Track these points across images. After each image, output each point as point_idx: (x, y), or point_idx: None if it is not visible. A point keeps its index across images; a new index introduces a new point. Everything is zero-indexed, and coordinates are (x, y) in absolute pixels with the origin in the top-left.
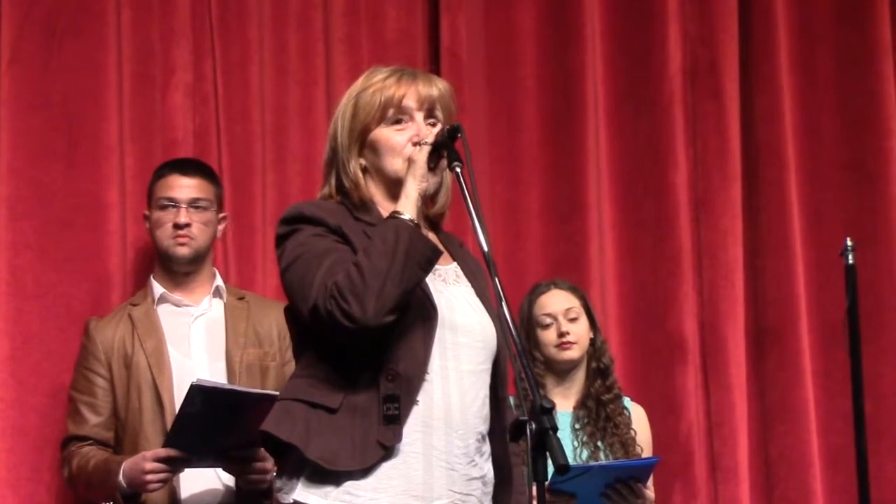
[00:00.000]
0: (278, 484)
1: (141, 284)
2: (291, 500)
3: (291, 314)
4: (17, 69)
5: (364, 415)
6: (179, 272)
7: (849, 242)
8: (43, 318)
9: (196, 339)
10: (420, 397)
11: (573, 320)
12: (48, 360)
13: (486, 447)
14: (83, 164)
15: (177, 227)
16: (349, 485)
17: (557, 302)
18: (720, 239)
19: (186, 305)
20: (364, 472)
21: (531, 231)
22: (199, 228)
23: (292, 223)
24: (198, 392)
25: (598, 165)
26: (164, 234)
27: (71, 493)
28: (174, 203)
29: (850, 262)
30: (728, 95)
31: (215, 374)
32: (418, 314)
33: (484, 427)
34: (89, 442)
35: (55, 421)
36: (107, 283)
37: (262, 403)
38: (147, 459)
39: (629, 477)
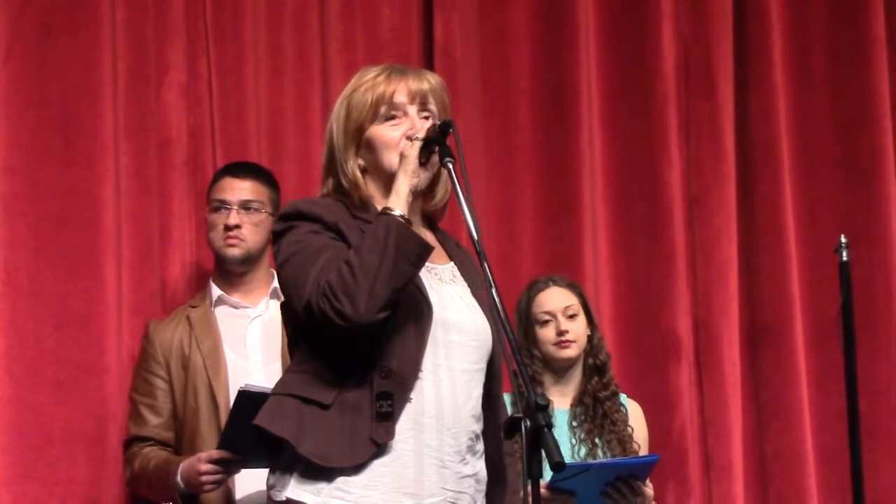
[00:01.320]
0: (271, 481)
1: (135, 281)
2: (284, 498)
3: (287, 310)
4: (12, 67)
5: (357, 411)
6: (234, 273)
7: (843, 240)
8: (38, 315)
9: (252, 341)
10: (413, 395)
11: (572, 318)
12: (43, 357)
13: (480, 446)
14: (78, 161)
15: (227, 228)
16: (341, 481)
17: (556, 299)
18: (714, 237)
19: (244, 307)
20: (356, 468)
21: (525, 231)
22: (249, 230)
23: (289, 220)
24: (245, 397)
25: (592, 165)
26: (216, 236)
27: (67, 493)
28: (226, 205)
29: (844, 258)
30: (722, 94)
31: (270, 376)
32: (413, 312)
33: (477, 426)
34: (151, 442)
35: (51, 419)
36: (101, 280)
37: None
38: (202, 461)
39: (629, 475)
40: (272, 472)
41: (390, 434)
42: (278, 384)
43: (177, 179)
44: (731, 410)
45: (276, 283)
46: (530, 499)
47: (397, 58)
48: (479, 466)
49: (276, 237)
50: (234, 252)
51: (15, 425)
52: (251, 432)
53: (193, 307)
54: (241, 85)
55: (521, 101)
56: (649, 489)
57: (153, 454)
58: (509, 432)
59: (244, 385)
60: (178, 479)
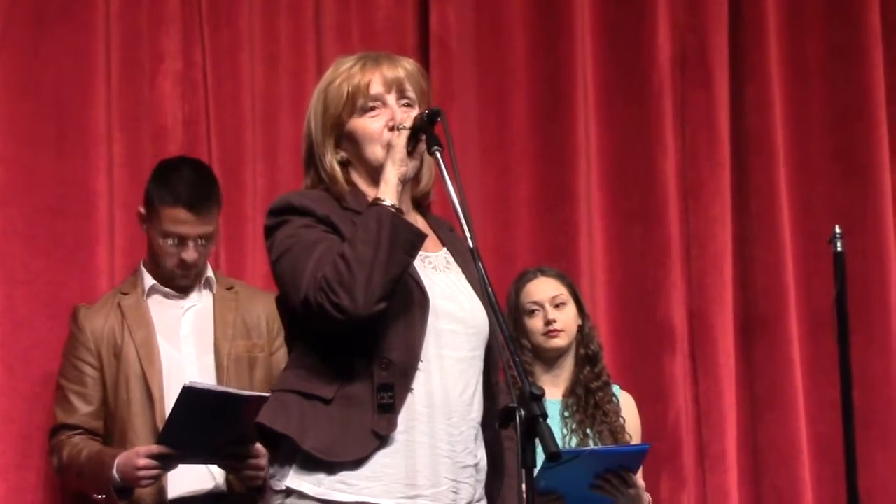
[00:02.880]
0: (271, 471)
1: (128, 270)
2: (284, 487)
3: (283, 304)
4: (5, 56)
5: (358, 404)
6: None
7: (837, 230)
8: (31, 305)
9: (185, 332)
10: (414, 385)
11: (560, 307)
12: (37, 347)
13: (480, 434)
14: (72, 151)
15: (184, 264)
16: (343, 474)
17: (544, 289)
18: (709, 228)
19: (176, 297)
20: (358, 461)
21: (520, 220)
22: (202, 258)
23: (281, 214)
24: (190, 394)
25: (587, 154)
26: (169, 262)
27: (59, 480)
28: (183, 241)
29: (839, 249)
30: (717, 84)
31: (204, 368)
32: (410, 302)
33: (477, 414)
34: (79, 431)
35: (44, 408)
36: (95, 270)
37: (254, 403)
38: (140, 455)
39: (619, 465)
40: (272, 462)
41: (392, 426)
42: (278, 381)
43: None
44: (725, 401)
45: (209, 273)
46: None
47: (392, 47)
48: (480, 455)
49: (268, 232)
50: (186, 282)
51: (8, 414)
52: (192, 428)
53: (124, 294)
54: (235, 74)
55: (517, 91)
56: (641, 480)
57: (83, 444)
58: (504, 422)
59: (189, 382)
60: (114, 472)
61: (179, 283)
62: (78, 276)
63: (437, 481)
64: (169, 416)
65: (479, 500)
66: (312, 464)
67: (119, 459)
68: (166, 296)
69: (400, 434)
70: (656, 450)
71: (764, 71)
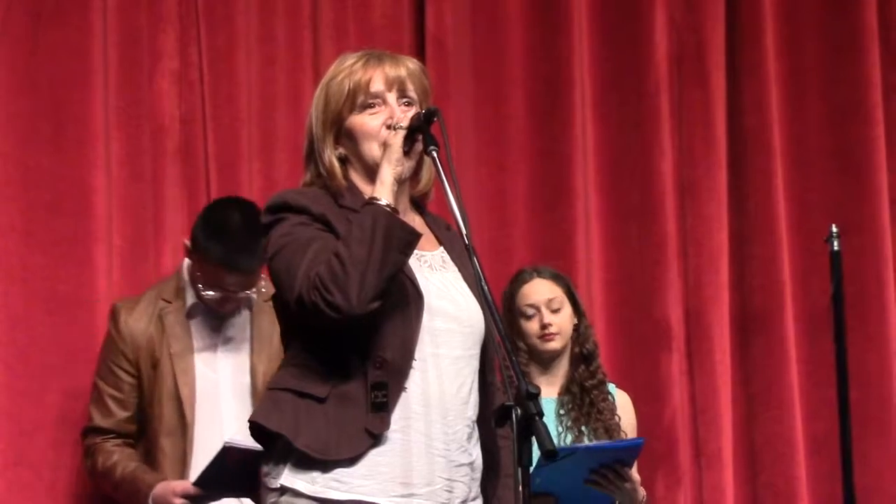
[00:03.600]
0: (266, 469)
1: (126, 268)
2: (278, 485)
3: (278, 303)
4: (3, 53)
5: (352, 403)
6: None
7: (834, 229)
8: (29, 301)
9: (223, 355)
10: (408, 384)
11: (556, 311)
12: (34, 343)
13: (476, 433)
14: (69, 148)
15: (224, 304)
16: (337, 472)
17: (540, 292)
18: (706, 226)
19: (217, 318)
20: (352, 459)
21: (518, 218)
22: (242, 303)
23: (276, 212)
24: (229, 452)
25: (584, 152)
26: (208, 303)
27: (59, 478)
28: (224, 291)
29: (836, 248)
30: (714, 83)
31: (237, 392)
32: (404, 301)
33: (473, 413)
34: (112, 435)
35: (42, 405)
36: (92, 267)
37: None
38: (176, 494)
39: (615, 460)
40: (266, 461)
41: (386, 424)
42: (273, 379)
43: (169, 167)
44: (721, 399)
45: (251, 294)
46: (520, 486)
47: (389, 46)
48: (475, 454)
49: (264, 230)
50: (228, 311)
51: (6, 411)
52: (228, 477)
53: (167, 301)
54: (232, 72)
55: (514, 89)
56: (636, 475)
57: (118, 456)
58: (500, 421)
59: (229, 439)
60: (150, 501)
61: (222, 313)
62: (75, 273)
63: (432, 480)
64: (207, 467)
65: (474, 499)
66: (307, 462)
67: (155, 492)
68: (207, 315)
69: (394, 433)
70: (652, 448)
71: (761, 69)
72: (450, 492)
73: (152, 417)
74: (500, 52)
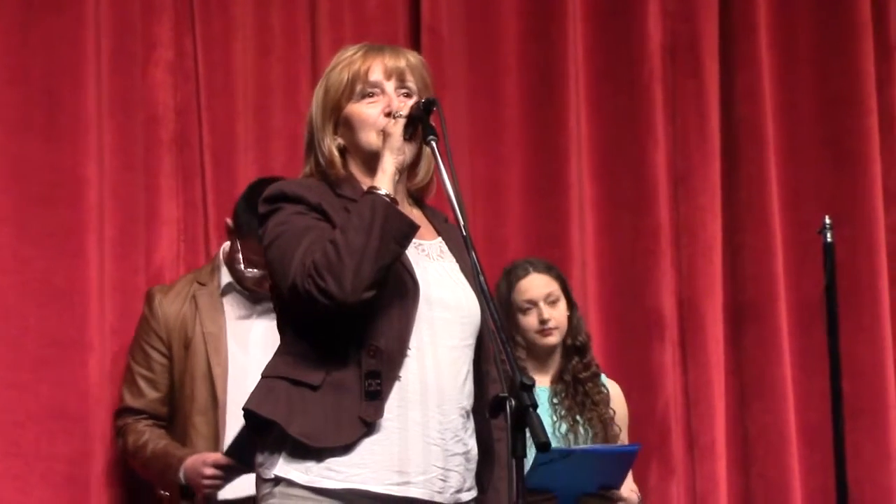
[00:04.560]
0: (260, 459)
1: (118, 259)
2: (273, 476)
3: (275, 292)
4: None
5: (346, 391)
6: None
7: (827, 220)
8: (21, 292)
9: (256, 336)
10: (402, 373)
11: (553, 304)
12: (26, 335)
13: (471, 423)
14: (62, 139)
15: (261, 285)
16: (331, 461)
17: (537, 287)
18: (699, 216)
19: (251, 299)
20: (345, 448)
21: (512, 208)
22: None
23: (273, 202)
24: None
25: (578, 143)
26: (248, 283)
27: (51, 468)
28: (265, 268)
29: (829, 240)
30: (707, 73)
31: None
32: (400, 290)
33: (467, 403)
34: (144, 416)
35: (34, 396)
36: (84, 258)
37: None
38: (207, 464)
39: (607, 470)
40: (261, 450)
41: (379, 413)
42: (267, 367)
43: (163, 157)
44: (714, 390)
45: None
46: (514, 477)
47: (384, 35)
48: (470, 444)
49: (261, 219)
50: (261, 294)
51: None
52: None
53: (201, 284)
54: (227, 62)
55: (508, 79)
56: (634, 494)
57: (148, 434)
58: (494, 411)
59: None
60: (181, 474)
61: (254, 294)
62: (67, 264)
63: (427, 469)
64: (237, 434)
65: (468, 489)
66: (301, 452)
67: (186, 463)
68: (241, 295)
69: (389, 421)
70: (645, 439)
71: (754, 60)
72: (444, 481)
73: (184, 398)
74: (494, 43)
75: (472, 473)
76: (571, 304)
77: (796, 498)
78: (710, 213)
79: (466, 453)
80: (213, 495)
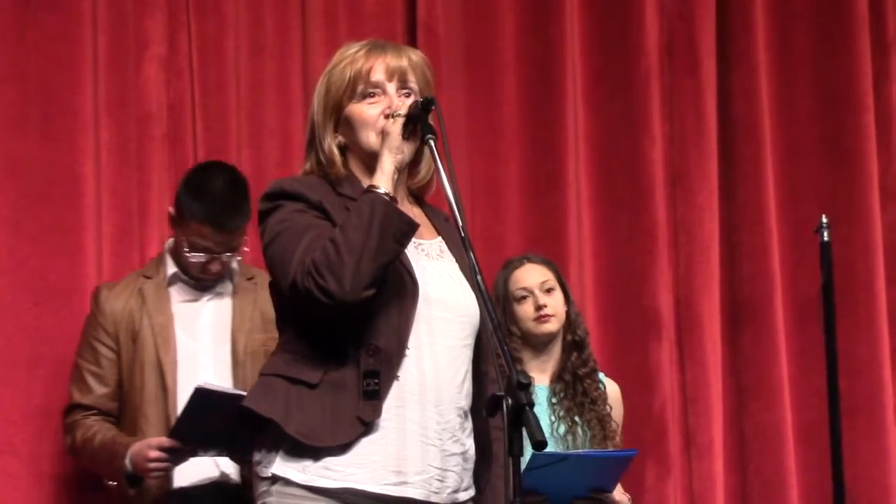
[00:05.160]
0: (257, 457)
1: (115, 256)
2: (270, 474)
3: (274, 290)
4: None
5: (344, 390)
6: None
7: (824, 220)
8: (17, 290)
9: (204, 323)
10: (400, 373)
11: (549, 292)
12: (22, 333)
13: (469, 423)
14: (58, 136)
15: (207, 271)
16: (328, 460)
17: (532, 275)
18: (696, 215)
19: (197, 287)
20: (343, 447)
21: (510, 205)
22: (228, 264)
23: (274, 199)
24: (201, 394)
25: (576, 141)
26: (193, 269)
27: (45, 467)
28: (209, 251)
29: (826, 239)
30: (705, 71)
31: (219, 360)
32: (399, 289)
33: (465, 403)
34: (94, 412)
35: (28, 395)
36: (81, 256)
37: None
38: (151, 447)
39: (604, 469)
40: (258, 448)
41: (377, 412)
42: (266, 365)
43: (157, 154)
44: (711, 388)
45: (232, 264)
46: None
47: (380, 33)
48: (468, 444)
49: (261, 217)
50: (208, 283)
51: None
52: (203, 425)
53: (147, 277)
54: (221, 59)
55: (506, 77)
56: (626, 497)
57: (97, 427)
58: (491, 410)
59: (202, 382)
60: (127, 461)
61: (200, 283)
62: (64, 262)
63: (424, 469)
64: (180, 414)
65: (466, 489)
66: (298, 450)
67: (132, 449)
68: (187, 284)
69: (387, 421)
70: (642, 437)
71: (751, 58)
72: (441, 481)
73: (134, 389)
74: (491, 40)
75: (470, 473)
76: (568, 300)
77: (793, 496)
78: (707, 212)
79: (464, 453)
80: (165, 483)
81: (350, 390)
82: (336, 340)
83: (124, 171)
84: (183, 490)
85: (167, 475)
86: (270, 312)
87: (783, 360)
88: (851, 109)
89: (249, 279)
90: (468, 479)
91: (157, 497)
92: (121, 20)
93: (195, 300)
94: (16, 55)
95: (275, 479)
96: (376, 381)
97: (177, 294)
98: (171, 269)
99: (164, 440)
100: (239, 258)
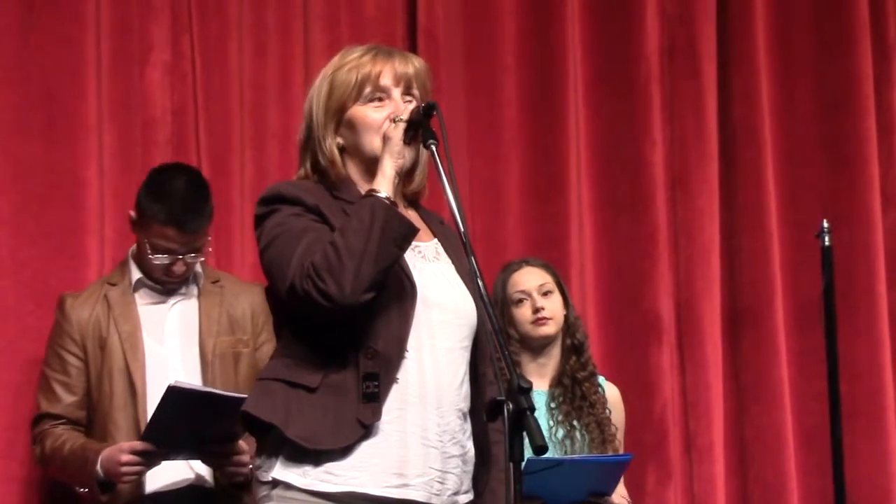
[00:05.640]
0: (258, 462)
1: (118, 260)
2: (270, 479)
3: (272, 294)
4: None
5: (343, 393)
6: None
7: (825, 224)
8: (19, 293)
9: (171, 327)
10: (400, 375)
11: (547, 294)
12: (24, 336)
13: (468, 425)
14: (61, 140)
15: (171, 273)
16: (328, 464)
17: (530, 278)
18: (696, 218)
19: (162, 292)
20: (343, 451)
21: (511, 209)
22: (191, 267)
23: (271, 203)
24: (174, 393)
25: (577, 144)
26: (156, 272)
27: (41, 470)
28: (171, 253)
29: (827, 243)
30: (705, 75)
31: (188, 363)
32: (397, 292)
33: (464, 404)
34: (62, 421)
35: (30, 398)
36: (84, 259)
37: (237, 403)
38: (123, 451)
39: (601, 473)
40: (258, 453)
41: (377, 415)
42: (265, 369)
43: (160, 158)
44: (712, 392)
45: (196, 267)
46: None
47: (381, 37)
48: (467, 446)
49: (258, 221)
50: (172, 287)
51: None
52: (176, 427)
53: (112, 284)
54: (224, 63)
55: (506, 81)
56: (625, 500)
57: (66, 436)
58: (492, 415)
59: (174, 381)
60: (98, 467)
61: (165, 287)
62: (66, 265)
63: (424, 471)
64: (153, 415)
65: (465, 492)
66: (299, 455)
67: (103, 454)
68: (153, 290)
69: (387, 423)
70: (643, 441)
71: (752, 61)
72: (442, 483)
73: (102, 396)
74: (491, 44)
75: (469, 476)
76: (567, 304)
77: (794, 500)
78: (707, 216)
79: (463, 455)
80: (137, 488)
81: (349, 393)
82: (334, 344)
83: (127, 174)
84: (156, 494)
85: (139, 479)
86: (237, 315)
87: (784, 364)
88: (852, 113)
89: (214, 282)
90: (467, 482)
91: (130, 502)
92: (124, 24)
93: (161, 304)
94: (19, 58)
95: (275, 484)
96: (376, 383)
97: (142, 299)
98: (136, 274)
99: (137, 443)
100: (202, 258)
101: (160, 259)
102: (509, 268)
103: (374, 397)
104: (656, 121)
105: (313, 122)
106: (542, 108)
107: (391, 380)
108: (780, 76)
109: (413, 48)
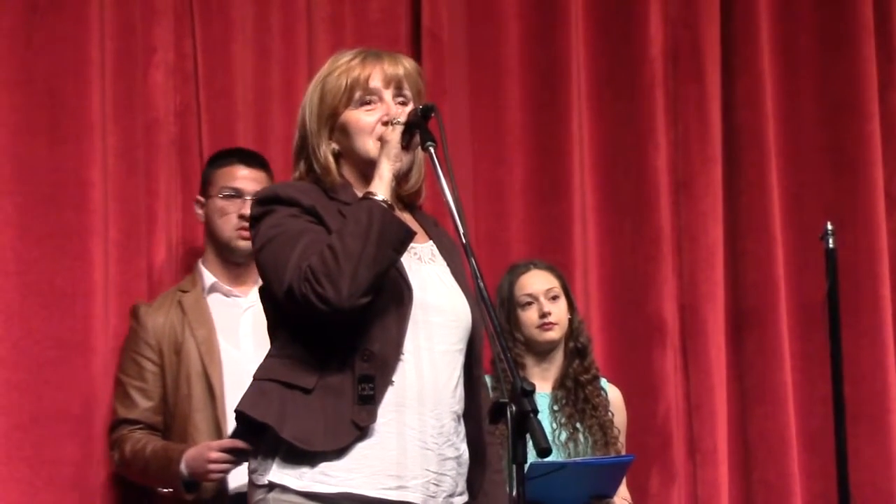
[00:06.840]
0: (253, 465)
1: (122, 261)
2: (266, 482)
3: (266, 294)
4: None
5: (339, 395)
6: (235, 263)
7: (829, 227)
8: (24, 294)
9: (245, 331)
10: (395, 377)
11: (554, 299)
12: (29, 337)
13: (462, 427)
14: (65, 141)
15: (242, 218)
16: (324, 466)
17: (538, 282)
18: (700, 222)
19: (236, 296)
20: (338, 452)
21: (514, 212)
22: None
23: (267, 204)
24: None
25: (580, 147)
26: (228, 225)
27: (53, 472)
28: (239, 194)
29: (831, 246)
30: (709, 78)
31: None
32: (393, 294)
33: (459, 407)
34: (140, 426)
35: (35, 399)
36: (88, 260)
37: None
38: (212, 449)
39: (603, 475)
40: (254, 456)
41: (372, 417)
42: (259, 369)
43: (163, 160)
44: (716, 395)
45: None
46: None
47: (385, 39)
48: (462, 448)
49: (254, 221)
50: (247, 245)
51: (1, 405)
52: None
53: (184, 291)
54: (227, 65)
55: (510, 83)
56: (626, 502)
57: (146, 439)
58: (495, 417)
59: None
60: (182, 466)
61: (240, 246)
62: (71, 267)
63: (421, 473)
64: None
65: (460, 494)
66: (295, 457)
67: (188, 453)
68: (226, 294)
69: (383, 425)
70: (647, 444)
71: (756, 65)
72: (437, 485)
73: (180, 399)
74: (495, 47)
75: (464, 478)
76: (572, 307)
77: (797, 503)
78: (711, 219)
79: (458, 457)
80: (223, 487)
81: (345, 395)
82: (330, 345)
83: (131, 176)
84: (240, 492)
85: (223, 478)
86: None
87: (787, 367)
88: (856, 116)
89: None
90: (462, 484)
91: (214, 501)
92: (128, 26)
93: (235, 309)
94: (23, 60)
95: (271, 487)
96: (371, 385)
97: (216, 304)
98: (209, 280)
99: (226, 441)
100: None
101: (228, 201)
102: (516, 270)
103: (369, 399)
104: (660, 124)
105: (307, 130)
106: (546, 111)
107: (387, 382)
108: (784, 79)
109: (417, 51)
